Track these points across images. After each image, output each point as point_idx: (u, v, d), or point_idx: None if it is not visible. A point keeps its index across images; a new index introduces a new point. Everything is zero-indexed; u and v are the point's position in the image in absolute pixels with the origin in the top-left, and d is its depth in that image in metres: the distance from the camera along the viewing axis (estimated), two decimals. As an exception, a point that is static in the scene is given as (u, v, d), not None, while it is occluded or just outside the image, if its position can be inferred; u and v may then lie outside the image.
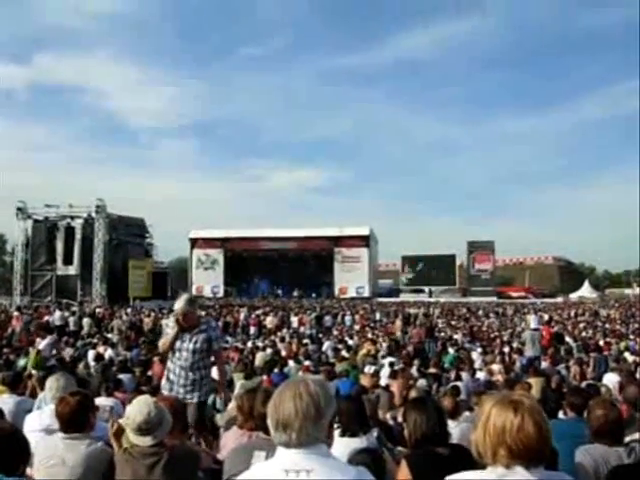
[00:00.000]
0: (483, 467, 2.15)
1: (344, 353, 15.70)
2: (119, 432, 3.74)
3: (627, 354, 16.47)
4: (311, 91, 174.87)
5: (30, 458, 4.34)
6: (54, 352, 14.38)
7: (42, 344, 14.64)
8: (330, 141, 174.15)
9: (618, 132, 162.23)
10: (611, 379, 9.94)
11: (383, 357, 14.40)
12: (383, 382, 10.03)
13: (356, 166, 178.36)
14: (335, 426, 2.34)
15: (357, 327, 29.05)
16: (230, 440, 4.19)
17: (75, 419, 3.75)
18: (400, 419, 6.17)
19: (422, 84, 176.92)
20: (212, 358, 6.54)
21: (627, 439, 3.85)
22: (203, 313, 30.85)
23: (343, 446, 3.94)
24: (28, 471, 3.98)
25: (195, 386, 6.12)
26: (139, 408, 3.41)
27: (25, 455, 2.75)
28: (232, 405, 7.34)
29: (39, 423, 4.73)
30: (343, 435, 4.18)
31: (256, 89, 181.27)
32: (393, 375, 10.50)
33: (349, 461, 3.59)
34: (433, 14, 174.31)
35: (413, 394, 6.85)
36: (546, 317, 31.47)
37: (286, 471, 1.99)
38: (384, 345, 17.05)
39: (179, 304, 6.14)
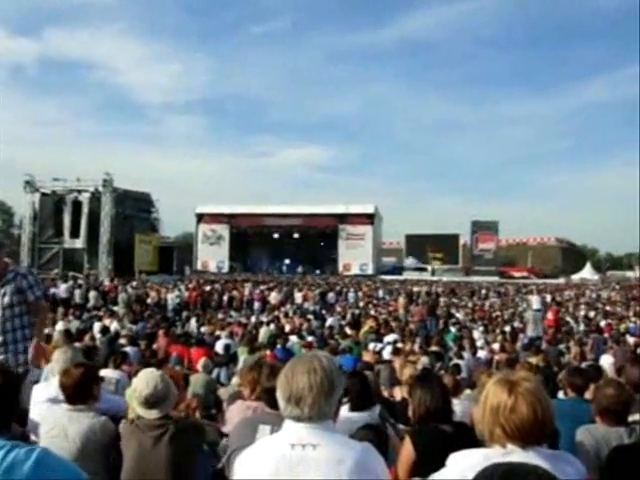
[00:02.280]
0: (485, 444, 2.19)
1: (347, 330, 15.82)
2: None
3: (628, 336, 16.53)
4: (319, 69, 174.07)
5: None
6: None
7: None
8: (337, 119, 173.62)
9: (623, 115, 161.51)
10: (606, 360, 10.01)
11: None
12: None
13: (362, 145, 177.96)
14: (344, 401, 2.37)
15: (361, 304, 29.19)
16: (234, 414, 4.24)
17: (78, 390, 3.77)
18: (398, 397, 6.25)
19: (428, 64, 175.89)
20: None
21: (628, 419, 3.90)
22: (208, 288, 31.03)
23: (346, 421, 3.99)
24: (33, 438, 4.07)
25: (7, 352, 5.00)
26: (146, 381, 3.45)
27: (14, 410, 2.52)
28: (235, 380, 7.43)
29: (46, 394, 4.78)
30: (352, 410, 4.24)
31: (264, 67, 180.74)
32: (395, 352, 10.61)
33: (352, 436, 3.64)
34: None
35: (407, 371, 6.89)
36: (549, 298, 31.55)
37: (292, 445, 2.02)
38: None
39: None
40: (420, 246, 68.78)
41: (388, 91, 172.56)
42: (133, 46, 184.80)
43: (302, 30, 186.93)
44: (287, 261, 66.58)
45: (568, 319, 22.40)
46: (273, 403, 3.13)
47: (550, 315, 19.46)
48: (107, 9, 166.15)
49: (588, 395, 4.99)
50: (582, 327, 19.43)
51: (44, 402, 4.56)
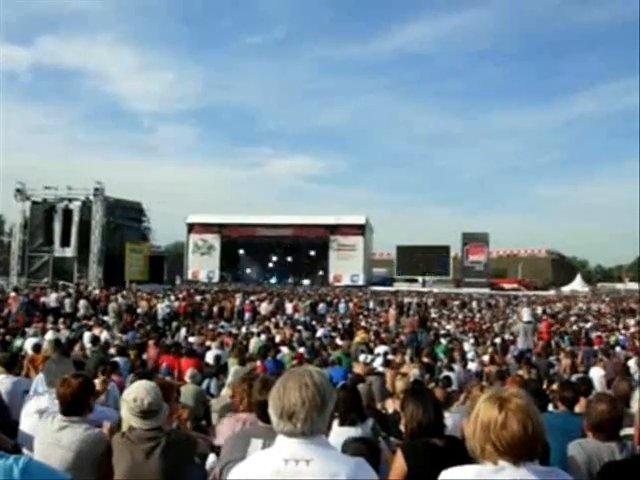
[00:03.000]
0: (477, 460, 2.19)
1: (338, 341, 15.80)
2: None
3: (618, 348, 16.57)
4: (312, 80, 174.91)
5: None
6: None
7: None
8: (328, 130, 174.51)
9: (614, 129, 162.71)
10: (596, 373, 10.01)
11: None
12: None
13: (353, 155, 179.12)
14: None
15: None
16: (226, 427, 4.23)
17: (76, 401, 3.78)
18: (390, 410, 6.25)
19: (421, 76, 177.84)
20: None
21: (620, 434, 3.91)
22: (198, 298, 30.93)
23: (338, 435, 3.99)
24: (25, 451, 4.05)
25: None
26: (146, 391, 3.44)
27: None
28: (225, 391, 7.41)
29: (37, 406, 4.76)
30: (341, 425, 4.23)
31: (257, 77, 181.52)
32: (386, 364, 10.61)
33: (344, 450, 3.64)
34: (435, 8, 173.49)
35: (400, 384, 6.89)
36: (539, 310, 31.62)
37: (285, 460, 2.03)
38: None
39: None
40: (411, 257, 68.81)
41: (380, 102, 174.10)
42: (126, 55, 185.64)
43: (296, 41, 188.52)
44: (278, 271, 66.59)
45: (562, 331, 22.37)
46: (265, 417, 3.13)
47: (543, 328, 19.47)
48: (101, 18, 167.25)
49: (578, 409, 5.01)
50: (570, 339, 19.40)
51: (35, 413, 4.54)
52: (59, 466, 3.52)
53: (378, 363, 11.14)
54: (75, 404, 3.79)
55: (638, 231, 69.09)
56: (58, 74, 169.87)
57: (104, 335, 14.28)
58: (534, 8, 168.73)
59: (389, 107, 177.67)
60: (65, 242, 37.07)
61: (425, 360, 11.47)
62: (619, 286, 74.28)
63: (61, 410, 3.81)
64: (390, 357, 12.02)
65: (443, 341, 17.68)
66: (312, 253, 66.01)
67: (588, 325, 25.27)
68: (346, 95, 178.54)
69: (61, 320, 17.98)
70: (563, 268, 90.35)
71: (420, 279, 65.94)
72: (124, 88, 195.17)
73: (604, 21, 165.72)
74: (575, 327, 25.29)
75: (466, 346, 16.06)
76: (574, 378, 8.65)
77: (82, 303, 24.04)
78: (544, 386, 8.36)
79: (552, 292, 61.74)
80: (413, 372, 8.84)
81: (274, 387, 2.15)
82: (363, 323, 24.00)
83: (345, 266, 62.02)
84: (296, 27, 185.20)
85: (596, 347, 15.76)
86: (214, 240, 65.27)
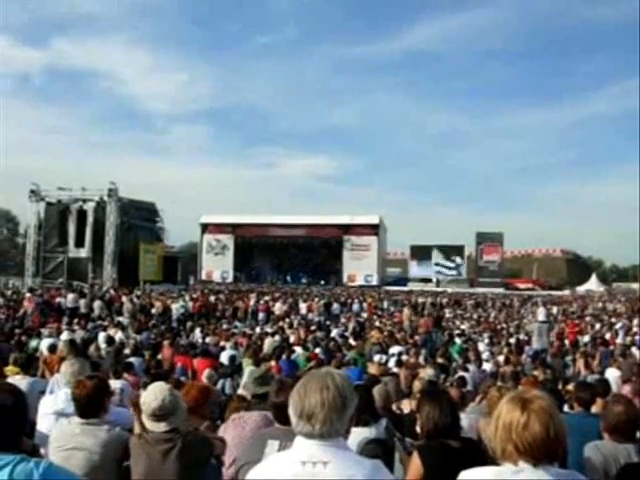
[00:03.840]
0: (493, 461, 2.19)
1: (351, 341, 15.80)
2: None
3: (634, 349, 16.41)
4: (323, 80, 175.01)
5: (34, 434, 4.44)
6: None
7: None
8: (341, 130, 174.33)
9: (628, 127, 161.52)
10: (612, 374, 9.91)
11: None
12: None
13: (366, 155, 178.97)
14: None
15: (365, 315, 29.13)
16: (232, 429, 4.25)
17: (92, 402, 3.80)
18: (406, 410, 6.23)
19: (432, 76, 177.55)
20: None
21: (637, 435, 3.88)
22: (212, 298, 30.99)
23: (353, 436, 3.98)
24: (42, 452, 4.07)
25: None
26: (154, 394, 3.46)
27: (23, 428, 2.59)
28: (240, 392, 7.41)
29: (53, 407, 4.79)
30: (355, 425, 4.22)
31: (269, 77, 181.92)
32: (399, 364, 10.59)
33: (359, 451, 3.63)
34: (444, 7, 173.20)
35: (417, 384, 6.87)
36: (555, 310, 31.44)
37: (303, 462, 2.02)
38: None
39: None
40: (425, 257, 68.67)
41: (392, 102, 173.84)
42: (139, 56, 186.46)
43: (307, 41, 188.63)
44: (291, 271, 66.59)
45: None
46: (282, 418, 3.13)
47: (568, 328, 19.35)
48: (114, 19, 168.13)
49: (595, 409, 4.98)
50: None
51: (52, 414, 4.57)
52: (83, 468, 3.55)
53: (392, 363, 11.12)
54: (91, 405, 3.81)
55: (638, 232, 68.40)
56: (71, 75, 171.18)
57: (119, 335, 14.35)
58: (542, 6, 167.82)
59: (400, 106, 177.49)
60: (79, 243, 37.21)
61: (440, 360, 11.44)
62: (635, 285, 73.67)
63: (78, 412, 3.83)
64: (404, 357, 12.00)
65: (458, 341, 17.62)
66: (326, 253, 65.93)
67: (618, 325, 24.91)
68: (358, 94, 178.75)
69: (76, 320, 18.11)
70: (578, 268, 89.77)
71: (434, 279, 65.81)
72: (137, 89, 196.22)
73: (611, 19, 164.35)
74: (598, 327, 25.02)
75: (481, 346, 16.00)
76: (590, 379, 8.60)
77: (97, 304, 24.16)
78: (559, 386, 8.32)
79: (567, 292, 61.37)
80: (427, 372, 8.82)
81: (295, 388, 2.15)
82: (377, 323, 23.96)
83: (359, 266, 61.92)
84: (307, 27, 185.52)
85: (612, 347, 15.64)
86: (228, 240, 65.36)
